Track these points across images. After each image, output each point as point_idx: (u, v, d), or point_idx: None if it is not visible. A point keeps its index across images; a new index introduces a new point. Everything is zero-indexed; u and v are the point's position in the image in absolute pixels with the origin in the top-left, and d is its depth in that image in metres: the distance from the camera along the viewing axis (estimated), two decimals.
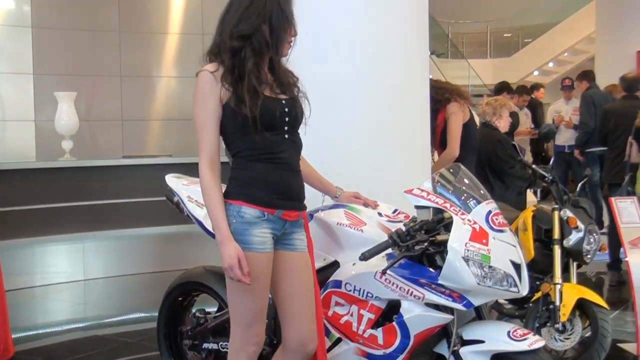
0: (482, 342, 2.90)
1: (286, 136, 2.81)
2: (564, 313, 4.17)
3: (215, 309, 3.74)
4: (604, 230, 7.39)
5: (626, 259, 4.70)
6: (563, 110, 9.92)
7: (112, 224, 7.26)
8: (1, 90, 8.42)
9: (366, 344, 3.09)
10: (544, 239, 4.53)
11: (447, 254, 2.81)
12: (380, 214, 3.28)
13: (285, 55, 2.85)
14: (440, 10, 17.32)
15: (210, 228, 3.01)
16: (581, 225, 4.39)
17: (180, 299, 3.89)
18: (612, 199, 4.91)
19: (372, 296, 3.06)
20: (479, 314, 3.08)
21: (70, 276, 7.31)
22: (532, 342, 2.83)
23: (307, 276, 2.93)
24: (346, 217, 3.23)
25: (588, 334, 4.22)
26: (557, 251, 4.36)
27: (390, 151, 3.98)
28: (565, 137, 9.75)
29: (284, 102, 2.80)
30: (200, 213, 3.46)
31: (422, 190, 3.04)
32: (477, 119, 5.78)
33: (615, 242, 6.28)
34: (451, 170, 3.19)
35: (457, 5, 20.65)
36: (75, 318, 6.21)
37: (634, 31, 11.44)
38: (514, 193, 5.68)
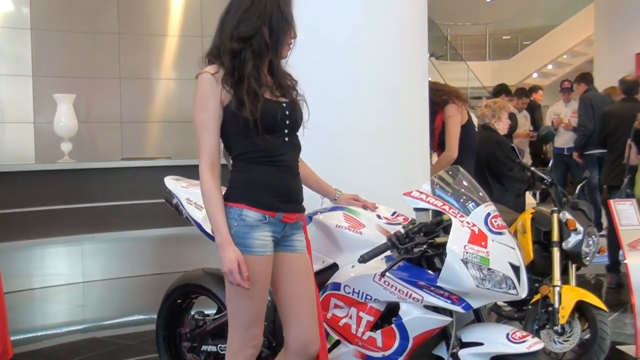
0: (481, 344, 2.90)
1: (286, 139, 2.80)
2: (563, 315, 4.17)
3: (214, 312, 3.74)
4: (603, 232, 7.39)
5: (625, 261, 4.70)
6: (562, 113, 9.93)
7: (111, 226, 7.26)
8: (0, 93, 8.43)
9: (365, 347, 3.09)
10: (543, 241, 4.53)
11: (446, 256, 2.82)
12: (379, 217, 3.28)
13: (285, 57, 2.85)
14: (439, 12, 17.36)
15: (209, 230, 3.01)
16: (580, 228, 4.40)
17: (179, 301, 3.89)
18: (611, 202, 4.91)
19: (371, 298, 3.06)
20: (478, 317, 3.08)
21: (69, 278, 7.31)
22: (531, 344, 2.84)
23: (307, 277, 2.92)
24: (345, 219, 3.23)
25: (587, 336, 4.22)
26: (556, 253, 4.36)
27: (390, 152, 3.99)
28: (564, 140, 9.75)
29: (284, 105, 2.80)
30: (199, 215, 3.46)
31: (421, 193, 3.04)
32: (475, 121, 5.78)
33: (614, 244, 6.28)
34: (450, 173, 3.19)
35: (456, 8, 20.70)
36: (74, 320, 6.20)
37: (633, 33, 11.44)
38: (512, 195, 5.68)
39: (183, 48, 9.25)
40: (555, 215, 4.44)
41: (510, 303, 4.68)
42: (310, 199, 3.20)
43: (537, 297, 4.32)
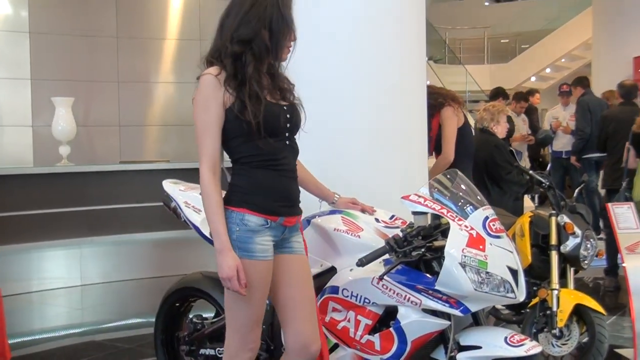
0: (479, 347, 2.90)
1: (287, 142, 2.81)
2: (561, 319, 4.16)
3: (212, 315, 3.74)
4: (601, 235, 7.39)
5: (623, 265, 4.70)
6: (561, 116, 9.94)
7: (109, 230, 7.26)
8: None
9: (363, 350, 3.09)
10: (541, 245, 4.53)
11: (444, 260, 2.81)
12: (377, 220, 3.28)
13: (285, 60, 2.84)
14: (437, 16, 17.37)
15: (207, 233, 3.01)
16: (578, 231, 4.40)
17: (177, 304, 3.88)
18: (609, 205, 4.91)
19: (369, 302, 3.06)
20: (476, 320, 3.07)
21: (68, 281, 7.30)
22: (529, 347, 2.84)
23: (306, 278, 2.92)
24: (343, 223, 3.24)
25: (585, 340, 4.22)
26: (554, 257, 4.36)
27: (390, 150, 4.01)
28: (562, 143, 9.76)
29: (285, 108, 2.80)
30: (197, 218, 3.46)
31: (419, 196, 3.04)
32: (472, 122, 5.78)
33: (612, 247, 6.29)
34: (448, 176, 3.19)
35: (454, 11, 20.73)
36: (73, 323, 6.20)
37: (631, 37, 11.47)
38: (511, 199, 5.68)
39: (181, 51, 9.25)
40: (553, 219, 4.44)
41: (508, 306, 4.68)
42: (309, 203, 3.20)
43: (535, 300, 4.32)
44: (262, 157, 2.72)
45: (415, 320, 2.95)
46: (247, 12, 2.71)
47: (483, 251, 2.84)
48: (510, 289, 2.85)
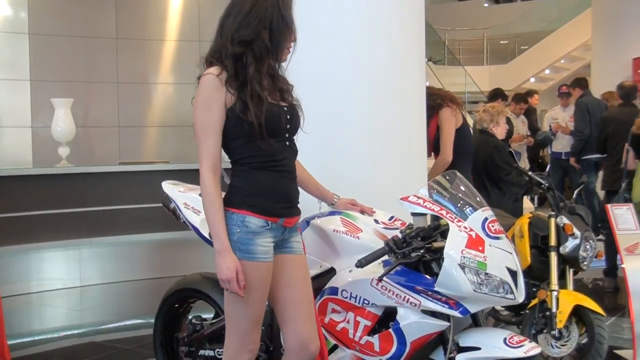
0: (478, 349, 2.90)
1: (287, 143, 2.81)
2: (561, 320, 4.17)
3: (211, 316, 3.74)
4: (601, 237, 7.40)
5: (622, 266, 4.70)
6: (560, 117, 9.94)
7: (108, 231, 7.25)
8: None
9: (362, 351, 3.09)
10: (540, 246, 4.53)
11: (443, 261, 2.81)
12: (376, 221, 3.28)
13: (285, 61, 2.84)
14: (437, 17, 17.38)
15: (206, 234, 3.01)
16: (577, 232, 4.40)
17: (176, 305, 3.88)
18: (609, 206, 4.91)
19: (369, 303, 3.06)
20: (475, 321, 3.07)
21: (67, 282, 7.29)
22: (528, 349, 2.84)
23: (304, 278, 2.93)
24: (342, 224, 3.23)
25: (584, 341, 4.22)
26: (553, 258, 4.36)
27: (389, 152, 4.01)
28: (562, 144, 9.76)
29: (285, 108, 2.80)
30: (196, 220, 3.45)
31: (418, 197, 3.04)
32: (470, 123, 5.78)
33: (612, 249, 6.29)
34: (447, 177, 3.19)
35: (454, 13, 20.75)
36: (72, 325, 6.20)
37: (630, 38, 11.47)
38: (510, 200, 5.68)
39: (181, 53, 9.24)
40: (552, 220, 4.44)
41: (507, 307, 4.68)
42: (308, 204, 3.20)
43: (534, 301, 4.32)
44: (262, 158, 2.72)
45: (414, 322, 2.95)
46: (247, 13, 2.70)
47: (482, 252, 2.84)
48: (509, 290, 2.85)
